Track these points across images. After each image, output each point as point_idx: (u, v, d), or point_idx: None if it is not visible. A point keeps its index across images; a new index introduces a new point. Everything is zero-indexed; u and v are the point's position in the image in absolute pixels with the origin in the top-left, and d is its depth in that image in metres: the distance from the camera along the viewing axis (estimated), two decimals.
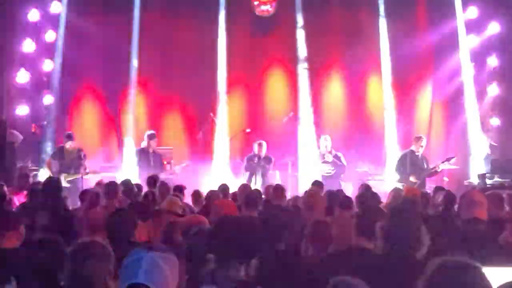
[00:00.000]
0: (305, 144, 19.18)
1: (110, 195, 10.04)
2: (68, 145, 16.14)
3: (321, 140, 17.65)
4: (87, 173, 15.91)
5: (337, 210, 9.54)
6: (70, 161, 16.08)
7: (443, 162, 16.41)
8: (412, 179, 16.08)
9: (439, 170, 16.51)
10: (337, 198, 10.42)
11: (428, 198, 10.86)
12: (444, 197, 10.14)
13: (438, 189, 11.72)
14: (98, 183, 12.97)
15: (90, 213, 7.69)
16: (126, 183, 12.03)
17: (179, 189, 12.23)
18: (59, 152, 16.35)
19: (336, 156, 17.27)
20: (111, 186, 10.44)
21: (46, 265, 4.93)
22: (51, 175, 15.13)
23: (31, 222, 8.22)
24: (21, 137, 16.62)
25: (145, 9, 19.33)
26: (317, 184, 12.56)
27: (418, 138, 16.72)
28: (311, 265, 6.03)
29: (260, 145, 17.31)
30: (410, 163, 16.35)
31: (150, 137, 17.02)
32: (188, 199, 12.21)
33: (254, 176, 17.09)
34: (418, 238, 5.25)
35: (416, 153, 16.46)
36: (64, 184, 15.20)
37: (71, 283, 4.59)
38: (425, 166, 16.50)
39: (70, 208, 11.08)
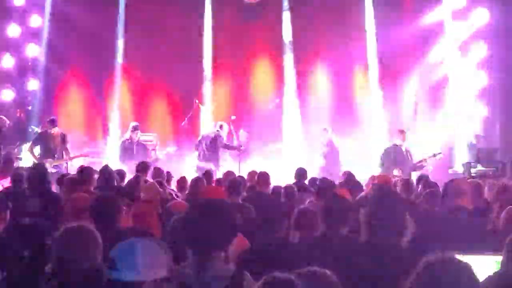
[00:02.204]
0: (290, 131, 19.22)
1: (84, 181, 9.95)
2: (53, 130, 16.01)
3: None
4: (71, 158, 15.89)
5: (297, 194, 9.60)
6: (54, 146, 15.98)
7: (429, 158, 16.49)
8: (396, 172, 16.11)
9: (425, 165, 16.57)
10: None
11: (411, 186, 10.89)
12: (424, 185, 10.20)
13: (421, 177, 11.79)
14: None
15: (74, 198, 7.66)
16: (105, 169, 11.98)
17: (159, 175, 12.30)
18: (42, 138, 16.17)
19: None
20: (84, 172, 10.36)
21: (33, 250, 4.94)
22: (36, 162, 15.14)
23: (16, 208, 8.22)
24: (8, 121, 16.52)
25: None
26: None
27: (401, 132, 16.70)
28: (295, 252, 6.05)
29: (221, 126, 17.39)
30: (394, 157, 16.38)
31: (134, 128, 16.96)
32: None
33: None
34: (403, 224, 5.26)
35: (400, 147, 16.48)
36: (50, 170, 15.18)
37: (58, 268, 4.60)
38: (410, 159, 16.53)
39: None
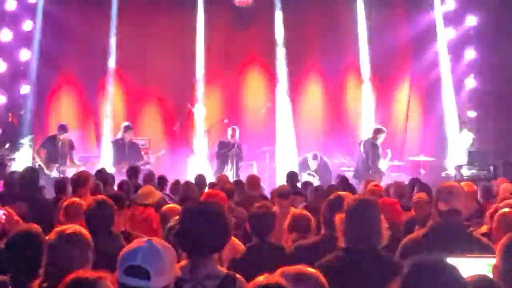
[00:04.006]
0: (283, 135, 19.19)
1: (79, 185, 9.95)
2: (63, 136, 16.12)
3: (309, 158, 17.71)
4: (78, 165, 16.01)
5: (276, 200, 9.62)
6: (62, 152, 16.07)
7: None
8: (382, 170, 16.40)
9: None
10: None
11: (404, 189, 10.90)
12: (419, 189, 10.20)
13: (413, 180, 11.79)
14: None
15: (67, 202, 7.64)
16: (100, 173, 11.97)
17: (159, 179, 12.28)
18: (50, 142, 16.26)
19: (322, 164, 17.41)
20: (80, 176, 10.36)
21: (24, 254, 4.93)
22: (42, 164, 15.26)
23: None
24: None
25: (123, 0, 19.27)
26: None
27: (382, 131, 16.88)
28: (291, 255, 6.05)
29: (234, 130, 17.24)
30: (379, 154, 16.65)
31: (125, 128, 17.00)
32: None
33: (226, 164, 16.98)
34: (379, 231, 5.23)
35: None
36: (55, 174, 15.23)
37: (51, 271, 4.59)
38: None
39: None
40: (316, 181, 16.60)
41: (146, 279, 3.48)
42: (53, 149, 16.07)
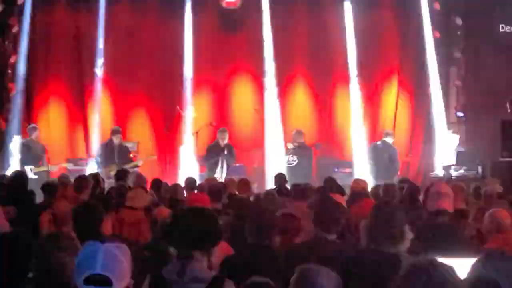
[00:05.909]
0: (272, 138, 19.17)
1: (80, 189, 9.99)
2: (35, 136, 16.12)
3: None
4: (52, 165, 15.99)
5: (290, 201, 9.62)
6: (36, 153, 16.05)
7: None
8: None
9: None
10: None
11: (394, 190, 10.91)
12: (407, 189, 10.22)
13: (402, 180, 11.81)
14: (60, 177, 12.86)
15: (56, 205, 7.63)
16: (94, 176, 11.98)
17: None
18: (25, 147, 16.26)
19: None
20: (81, 180, 10.39)
21: (13, 259, 4.92)
22: (18, 169, 15.19)
23: None
24: None
25: (110, 3, 19.20)
26: None
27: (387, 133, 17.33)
28: (280, 257, 6.04)
29: (224, 132, 17.28)
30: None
31: (114, 131, 16.98)
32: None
33: (217, 167, 16.98)
34: (402, 235, 5.19)
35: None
36: (31, 176, 15.18)
37: (39, 275, 4.59)
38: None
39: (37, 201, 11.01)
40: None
41: (108, 286, 3.47)
42: (28, 151, 16.09)
